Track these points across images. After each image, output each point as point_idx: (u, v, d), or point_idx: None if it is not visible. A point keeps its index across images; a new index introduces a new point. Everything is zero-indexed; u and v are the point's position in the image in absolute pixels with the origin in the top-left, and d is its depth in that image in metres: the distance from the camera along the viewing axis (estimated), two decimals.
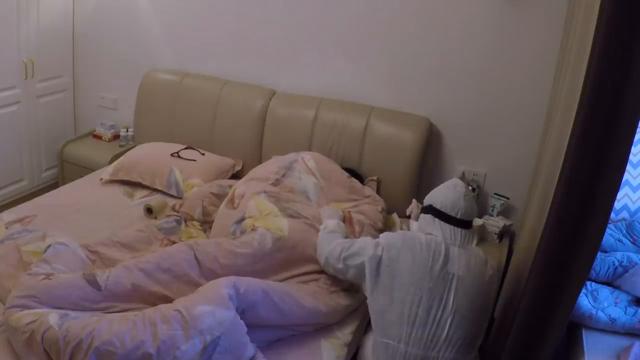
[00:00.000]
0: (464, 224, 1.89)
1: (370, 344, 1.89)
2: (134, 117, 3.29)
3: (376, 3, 2.79)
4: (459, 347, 1.78)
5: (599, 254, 2.04)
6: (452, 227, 1.88)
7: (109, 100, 3.61)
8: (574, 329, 1.93)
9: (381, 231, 2.42)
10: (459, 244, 1.87)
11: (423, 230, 1.94)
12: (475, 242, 2.01)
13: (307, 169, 2.59)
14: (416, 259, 1.81)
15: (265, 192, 2.37)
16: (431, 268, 1.79)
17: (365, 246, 1.90)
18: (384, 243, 1.88)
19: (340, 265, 1.95)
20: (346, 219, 2.34)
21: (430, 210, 1.93)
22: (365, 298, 1.92)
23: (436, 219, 1.90)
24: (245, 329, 1.71)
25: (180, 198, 2.70)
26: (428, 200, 1.97)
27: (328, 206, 2.46)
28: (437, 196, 1.94)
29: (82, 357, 1.55)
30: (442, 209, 1.89)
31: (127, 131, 3.44)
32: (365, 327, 2.10)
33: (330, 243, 2.01)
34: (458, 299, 1.78)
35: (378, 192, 2.73)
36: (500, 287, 2.19)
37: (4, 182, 3.23)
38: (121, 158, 2.96)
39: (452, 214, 1.88)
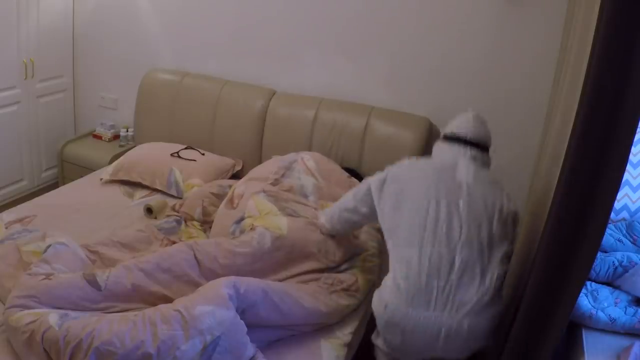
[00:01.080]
0: (474, 145, 1.88)
1: (389, 280, 1.78)
2: (134, 117, 3.29)
3: (376, 3, 2.79)
4: (471, 263, 1.71)
5: (599, 254, 2.04)
6: (460, 145, 1.87)
7: (109, 100, 3.61)
8: (574, 329, 1.93)
9: (380, 231, 2.42)
10: (469, 158, 1.86)
11: (435, 157, 1.96)
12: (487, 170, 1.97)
13: (306, 169, 2.59)
14: (422, 171, 1.85)
15: (264, 191, 2.37)
16: (438, 177, 1.80)
17: (369, 178, 1.96)
18: (388, 169, 1.92)
19: (352, 204, 1.99)
20: None
21: (442, 137, 1.96)
22: (365, 298, 1.91)
23: (445, 141, 1.92)
24: (245, 329, 1.71)
25: (180, 198, 2.70)
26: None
27: (327, 206, 2.46)
28: (449, 123, 1.97)
29: (82, 357, 1.55)
30: (450, 131, 1.91)
31: (127, 131, 3.44)
32: (365, 326, 2.10)
33: (333, 207, 2.09)
34: (468, 207, 1.76)
35: None
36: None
37: (4, 182, 3.23)
38: (121, 158, 2.96)
39: (460, 134, 1.88)
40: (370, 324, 2.10)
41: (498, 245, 1.78)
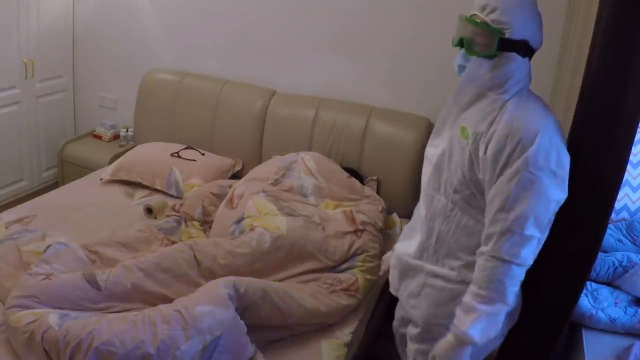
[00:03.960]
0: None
1: None
2: (134, 117, 3.29)
3: (376, 3, 2.79)
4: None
5: (599, 254, 2.04)
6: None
7: (109, 100, 3.61)
8: (574, 329, 1.93)
9: (381, 231, 2.42)
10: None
11: (522, 83, 1.31)
12: None
13: (306, 169, 2.59)
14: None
15: (264, 191, 2.37)
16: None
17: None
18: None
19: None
20: (347, 217, 2.34)
21: (524, 48, 1.23)
22: (365, 298, 1.89)
23: (527, 62, 1.29)
24: (245, 329, 1.71)
25: (180, 198, 2.70)
26: (512, 27, 1.21)
27: (327, 205, 2.46)
28: (514, 14, 1.20)
29: (82, 357, 1.55)
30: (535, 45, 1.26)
31: (127, 131, 3.44)
32: (365, 327, 2.09)
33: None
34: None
35: (378, 192, 2.73)
36: None
37: (4, 182, 3.23)
38: (121, 158, 2.96)
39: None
40: (370, 324, 2.10)
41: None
